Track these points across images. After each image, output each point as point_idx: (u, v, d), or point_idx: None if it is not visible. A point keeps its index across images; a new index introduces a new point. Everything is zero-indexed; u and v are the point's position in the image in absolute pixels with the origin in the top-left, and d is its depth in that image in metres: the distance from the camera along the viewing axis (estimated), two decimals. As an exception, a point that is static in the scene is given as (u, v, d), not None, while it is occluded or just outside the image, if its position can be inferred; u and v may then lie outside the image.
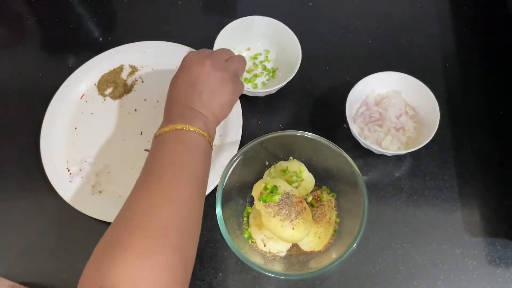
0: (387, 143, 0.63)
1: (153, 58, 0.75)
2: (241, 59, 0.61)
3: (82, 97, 0.73)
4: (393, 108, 0.65)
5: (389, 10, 0.78)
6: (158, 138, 0.52)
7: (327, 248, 0.58)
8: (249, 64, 0.73)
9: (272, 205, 0.54)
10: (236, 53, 0.72)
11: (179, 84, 0.56)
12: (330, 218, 0.58)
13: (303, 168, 0.61)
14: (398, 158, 0.66)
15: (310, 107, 0.71)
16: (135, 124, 0.70)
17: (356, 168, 0.55)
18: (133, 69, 0.75)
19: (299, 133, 0.58)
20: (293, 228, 0.53)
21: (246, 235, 0.58)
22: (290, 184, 0.58)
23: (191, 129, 0.51)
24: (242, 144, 0.66)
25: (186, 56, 0.58)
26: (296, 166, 0.61)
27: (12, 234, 0.65)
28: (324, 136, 0.57)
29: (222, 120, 0.57)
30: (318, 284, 0.59)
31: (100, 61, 0.74)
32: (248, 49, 0.74)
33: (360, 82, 0.64)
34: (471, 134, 0.67)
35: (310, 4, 0.80)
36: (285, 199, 0.54)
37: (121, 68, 0.75)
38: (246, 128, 0.67)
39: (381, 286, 0.58)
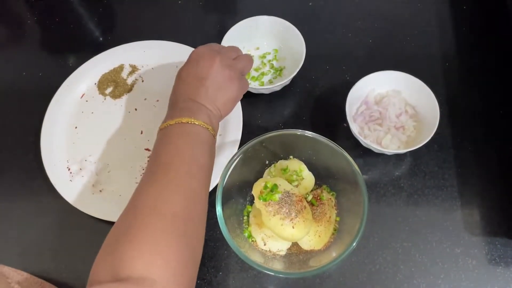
0: (387, 142, 0.63)
1: (154, 58, 0.75)
2: (249, 58, 0.61)
3: (82, 96, 0.73)
4: (393, 107, 0.65)
5: (389, 9, 0.79)
6: (163, 131, 0.52)
7: (327, 247, 0.58)
8: (257, 62, 0.74)
9: (272, 204, 0.54)
10: (245, 53, 0.73)
11: (186, 76, 0.56)
12: (330, 217, 0.58)
13: (303, 167, 0.61)
14: (398, 157, 0.66)
15: (310, 106, 0.71)
16: (135, 123, 0.71)
17: (356, 167, 0.55)
18: (134, 69, 0.75)
19: (299, 132, 0.58)
20: (293, 227, 0.53)
21: (246, 234, 0.58)
22: (290, 183, 0.58)
23: (196, 123, 0.51)
24: (242, 143, 0.66)
25: (195, 49, 0.58)
26: (296, 165, 0.61)
27: (13, 233, 0.65)
28: (324, 135, 0.58)
29: (225, 117, 0.58)
30: (318, 283, 0.59)
31: (100, 61, 0.74)
32: (257, 48, 0.75)
33: (360, 81, 0.64)
34: (471, 133, 0.67)
35: (310, 4, 0.80)
36: (285, 198, 0.54)
37: (121, 68, 0.75)
38: (246, 127, 0.68)
39: (381, 285, 0.58)
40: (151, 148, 0.68)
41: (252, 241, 0.58)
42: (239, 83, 0.57)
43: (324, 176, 0.62)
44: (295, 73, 0.67)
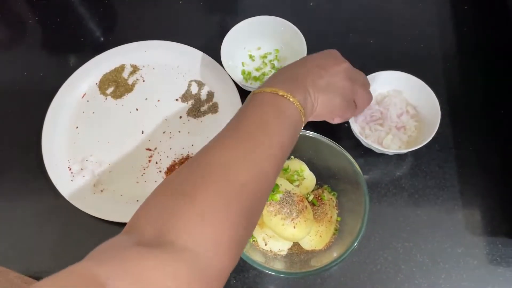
0: (388, 142, 0.63)
1: (154, 58, 0.75)
2: (370, 96, 0.59)
3: (83, 96, 0.73)
4: (394, 107, 0.65)
5: (390, 10, 0.79)
6: (255, 96, 0.48)
7: (328, 247, 0.58)
8: (258, 62, 0.74)
9: (273, 203, 0.54)
10: (246, 53, 0.74)
11: (307, 61, 0.53)
12: (331, 217, 0.58)
13: (304, 167, 0.61)
14: (399, 157, 0.66)
15: (311, 107, 0.71)
16: (136, 123, 0.71)
17: (357, 167, 0.55)
18: (134, 69, 0.75)
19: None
20: (294, 227, 0.53)
21: (247, 234, 0.58)
22: (291, 183, 0.58)
23: (291, 100, 0.47)
24: (243, 143, 0.66)
25: (331, 49, 0.56)
26: (297, 165, 0.61)
27: (13, 232, 0.65)
28: (325, 135, 0.58)
29: (314, 119, 0.53)
30: (319, 283, 0.59)
31: (102, 61, 0.75)
32: (259, 48, 0.75)
33: (361, 81, 0.64)
34: (472, 133, 0.67)
35: (311, 4, 0.80)
36: (286, 198, 0.54)
37: (122, 68, 0.75)
38: (247, 127, 0.67)
39: (382, 285, 0.58)
40: (152, 148, 0.68)
41: (253, 241, 0.58)
42: (346, 102, 0.53)
43: (325, 176, 0.62)
44: None
